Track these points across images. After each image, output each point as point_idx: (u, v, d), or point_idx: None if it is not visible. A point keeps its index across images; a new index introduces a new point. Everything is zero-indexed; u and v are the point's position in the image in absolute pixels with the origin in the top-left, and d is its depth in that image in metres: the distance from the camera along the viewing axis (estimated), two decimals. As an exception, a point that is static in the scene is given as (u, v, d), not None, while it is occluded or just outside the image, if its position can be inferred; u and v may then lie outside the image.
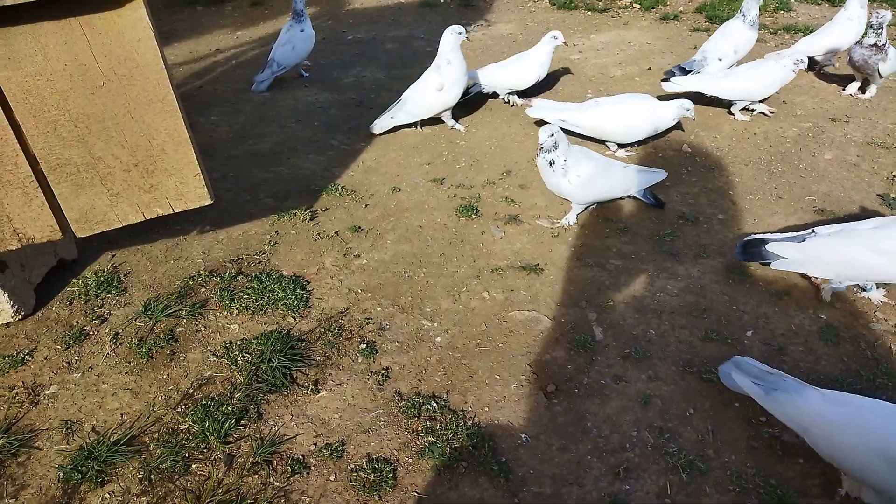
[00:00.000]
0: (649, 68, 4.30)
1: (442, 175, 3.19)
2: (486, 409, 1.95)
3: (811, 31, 4.90)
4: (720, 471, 1.75)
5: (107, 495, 1.71)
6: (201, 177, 2.16)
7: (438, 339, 2.19)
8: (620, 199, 2.84)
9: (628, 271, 2.48)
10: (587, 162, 2.59)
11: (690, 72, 3.78)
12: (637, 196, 2.78)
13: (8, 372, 2.08)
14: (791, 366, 2.03)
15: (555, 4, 6.07)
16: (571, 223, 2.74)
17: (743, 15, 3.77)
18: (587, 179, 2.57)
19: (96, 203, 2.09)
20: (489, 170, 3.23)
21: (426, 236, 2.73)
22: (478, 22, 5.68)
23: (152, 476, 1.75)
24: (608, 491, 1.72)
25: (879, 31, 3.42)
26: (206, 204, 2.17)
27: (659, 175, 2.78)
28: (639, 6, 5.87)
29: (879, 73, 3.51)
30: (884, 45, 3.46)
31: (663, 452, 1.79)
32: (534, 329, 2.22)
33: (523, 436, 1.86)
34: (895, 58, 3.49)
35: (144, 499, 1.69)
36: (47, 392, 2.01)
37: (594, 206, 2.82)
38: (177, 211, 2.17)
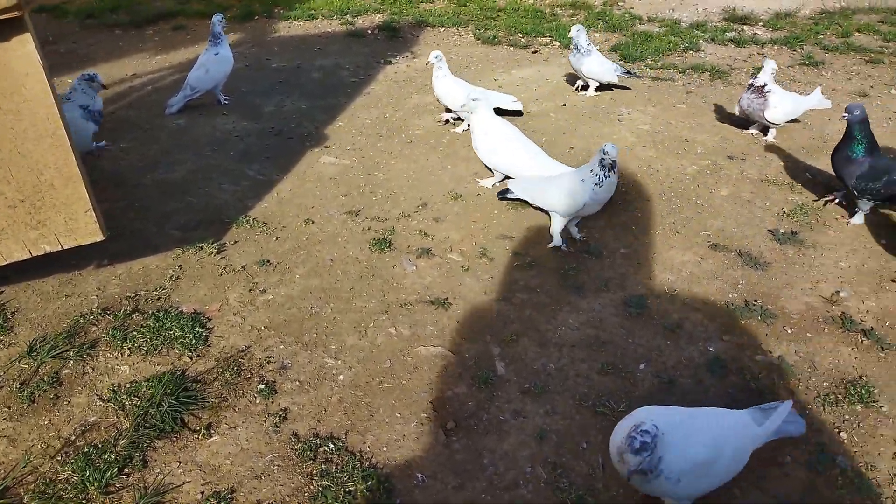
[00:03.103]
0: (563, 105, 4.45)
1: (358, 207, 3.18)
2: (385, 448, 1.93)
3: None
4: (609, 505, 1.79)
5: (-32, 557, 1.59)
6: (93, 212, 2.08)
7: (341, 377, 2.17)
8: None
9: (533, 305, 2.53)
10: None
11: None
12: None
13: None
14: (679, 397, 2.11)
15: (479, 39, 6.21)
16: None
17: (576, 47, 4.36)
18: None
19: (-27, 240, 1.98)
20: (405, 202, 3.24)
21: (337, 270, 2.70)
22: (403, 54, 5.74)
23: (21, 533, 1.64)
24: (500, 530, 1.72)
25: (754, 75, 3.67)
26: (98, 240, 2.09)
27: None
28: (558, 44, 6.08)
29: (767, 120, 3.74)
30: (762, 86, 3.69)
31: (555, 488, 1.82)
32: (438, 365, 2.23)
33: (420, 475, 1.85)
34: (783, 105, 3.69)
35: (11, 559, 1.59)
36: (-89, 444, 1.86)
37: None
38: (66, 248, 2.08)
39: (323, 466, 1.85)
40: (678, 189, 3.36)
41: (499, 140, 3.24)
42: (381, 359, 2.24)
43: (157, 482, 1.78)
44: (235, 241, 2.86)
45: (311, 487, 1.79)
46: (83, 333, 2.26)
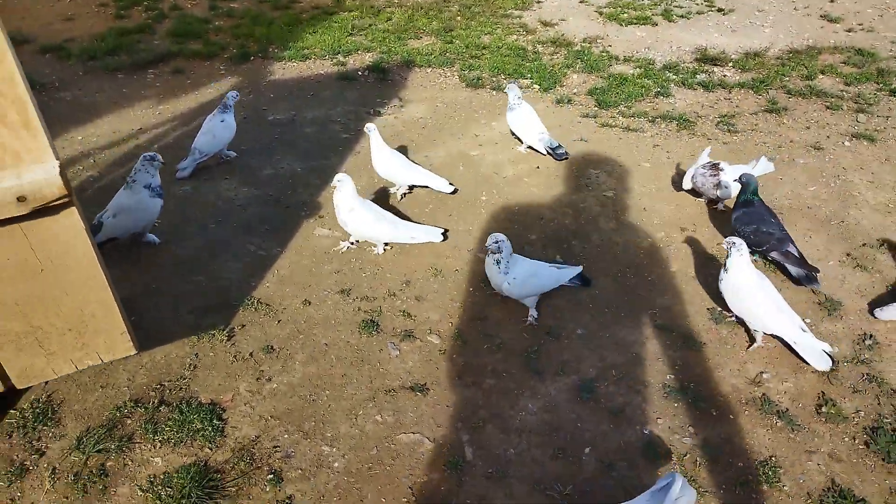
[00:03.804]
0: (538, 167, 4.89)
1: (349, 285, 3.64)
2: (373, 530, 2.41)
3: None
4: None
5: None
6: (127, 334, 2.53)
7: (336, 464, 2.65)
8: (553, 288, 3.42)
9: (499, 390, 3.00)
10: (523, 263, 3.25)
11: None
12: (567, 284, 3.44)
13: (-49, 514, 2.39)
14: (616, 483, 2.59)
15: (464, 81, 6.63)
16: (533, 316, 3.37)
17: (510, 103, 4.93)
18: (522, 280, 3.21)
19: (35, 361, 2.44)
20: (391, 279, 3.70)
21: (331, 356, 3.17)
22: (392, 101, 6.16)
23: None
24: None
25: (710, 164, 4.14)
26: (132, 354, 2.55)
27: (576, 269, 3.40)
28: (538, 87, 6.50)
29: (718, 196, 4.21)
30: (717, 163, 4.15)
31: (508, 566, 2.31)
32: (417, 451, 2.71)
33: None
34: (733, 184, 4.12)
35: None
36: (-10, 534, 2.34)
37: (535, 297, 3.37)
38: (105, 361, 2.53)
39: (323, 549, 2.33)
40: (633, 264, 3.83)
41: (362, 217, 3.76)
42: (369, 446, 2.72)
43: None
44: (242, 326, 3.33)
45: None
46: (120, 426, 2.74)
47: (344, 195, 3.71)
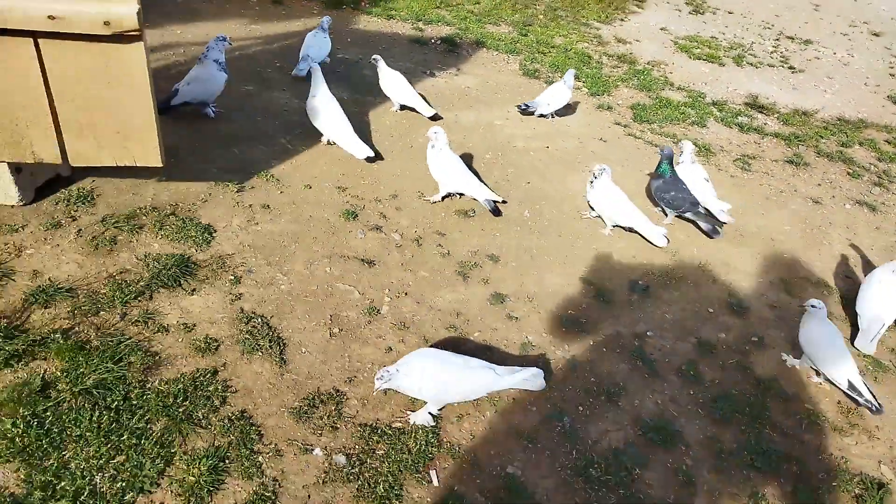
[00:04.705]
0: (547, 147, 5.63)
1: (347, 185, 4.50)
2: (292, 331, 3.24)
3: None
4: None
5: (47, 316, 3.01)
6: (158, 149, 3.46)
7: (283, 286, 3.50)
8: None
9: (429, 281, 3.78)
10: None
11: (530, 109, 6.02)
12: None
13: (5, 234, 3.38)
14: (492, 357, 3.32)
15: (521, 70, 7.41)
16: None
17: (564, 81, 5.99)
18: None
19: (88, 148, 3.40)
20: (382, 191, 4.54)
21: (312, 223, 4.04)
22: (449, 69, 7.02)
23: (75, 311, 3.05)
24: None
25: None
26: (158, 166, 3.48)
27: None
28: (587, 90, 7.21)
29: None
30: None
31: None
32: (347, 297, 3.52)
33: (304, 349, 3.15)
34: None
35: (68, 321, 2.99)
36: (27, 252, 3.32)
37: None
38: (138, 165, 3.47)
39: (250, 327, 3.18)
40: (556, 204, 4.52)
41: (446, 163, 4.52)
42: (312, 283, 3.56)
43: (153, 308, 3.16)
44: (252, 187, 4.24)
45: (239, 336, 3.12)
46: (136, 219, 3.68)
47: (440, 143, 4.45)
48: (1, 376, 2.73)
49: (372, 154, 4.77)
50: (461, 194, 4.57)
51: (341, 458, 2.76)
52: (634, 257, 4.39)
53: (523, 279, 3.98)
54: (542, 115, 6.12)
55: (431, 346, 3.29)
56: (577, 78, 7.33)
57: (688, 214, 4.75)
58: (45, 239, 3.43)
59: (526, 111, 6.10)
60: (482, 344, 3.45)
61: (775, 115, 7.38)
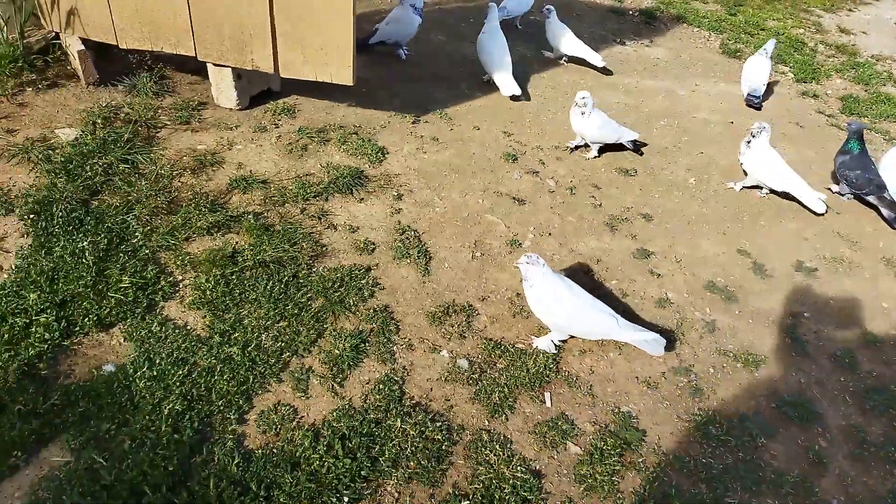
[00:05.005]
0: (732, 122, 5.39)
1: (513, 131, 4.70)
2: (437, 259, 3.54)
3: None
4: None
5: (244, 199, 3.57)
6: (351, 69, 3.89)
7: (437, 209, 3.81)
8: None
9: (571, 229, 3.88)
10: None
11: (756, 102, 5.70)
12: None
13: (222, 130, 4.03)
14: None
15: (722, 49, 7.08)
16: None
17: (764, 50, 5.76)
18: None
19: (296, 60, 3.93)
20: (547, 140, 4.68)
21: (474, 160, 4.30)
22: (641, 40, 6.91)
23: (266, 200, 3.59)
24: None
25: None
26: (349, 84, 3.93)
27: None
28: (792, 76, 6.72)
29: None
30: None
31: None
32: (493, 228, 3.75)
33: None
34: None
35: (259, 206, 3.52)
36: (236, 147, 3.93)
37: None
38: (333, 81, 3.94)
39: (404, 237, 3.52)
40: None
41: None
42: (463, 210, 3.83)
43: (328, 209, 3.62)
44: (426, 122, 4.60)
45: (393, 243, 3.48)
46: (325, 133, 4.19)
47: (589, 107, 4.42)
48: (203, 241, 3.31)
49: (518, 92, 5.03)
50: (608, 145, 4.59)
51: (464, 363, 3.00)
52: (807, 240, 4.13)
53: (675, 241, 3.93)
54: (752, 104, 5.75)
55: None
56: (784, 62, 6.86)
57: (870, 198, 4.43)
58: (252, 139, 4.04)
59: (753, 104, 5.71)
60: (618, 291, 3.50)
61: None
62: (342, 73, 3.94)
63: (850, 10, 8.83)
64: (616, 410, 2.93)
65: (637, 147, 4.67)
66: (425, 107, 4.77)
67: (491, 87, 5.21)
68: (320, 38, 3.82)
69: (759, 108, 5.73)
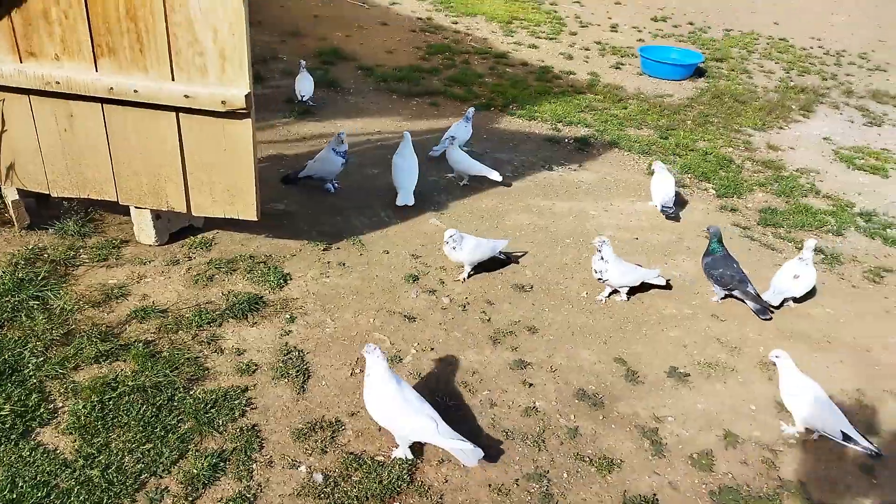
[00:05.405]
0: (636, 238, 5.73)
1: (421, 254, 5.07)
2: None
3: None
4: None
5: (140, 328, 3.89)
6: (255, 205, 4.35)
7: (328, 329, 4.09)
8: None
9: (462, 342, 4.13)
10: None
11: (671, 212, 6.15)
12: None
13: (135, 265, 4.44)
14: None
15: (648, 170, 7.55)
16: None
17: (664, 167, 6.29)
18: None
19: (205, 200, 4.40)
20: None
21: (375, 282, 4.65)
22: (571, 164, 7.42)
23: (161, 328, 3.90)
24: None
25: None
26: (254, 219, 4.37)
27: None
28: (714, 192, 7.13)
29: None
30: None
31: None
32: (372, 339, 4.01)
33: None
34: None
35: (153, 334, 3.84)
36: (145, 280, 4.33)
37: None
38: (239, 218, 4.38)
39: (287, 358, 3.78)
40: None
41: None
42: (352, 330, 4.11)
43: (219, 333, 3.93)
44: (338, 248, 5.00)
45: (275, 364, 3.74)
46: (234, 263, 4.59)
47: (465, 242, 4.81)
48: (90, 369, 3.60)
49: (410, 203, 5.68)
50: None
51: (319, 477, 3.17)
52: (685, 346, 4.33)
53: (555, 351, 4.15)
54: (669, 215, 6.25)
55: (437, 396, 3.61)
56: (707, 179, 7.30)
57: (736, 293, 4.79)
58: (162, 272, 4.44)
59: (669, 214, 6.23)
60: (487, 402, 3.69)
61: (941, 229, 6.63)
62: (247, 210, 4.39)
63: (780, 128, 9.41)
64: (464, 521, 3.04)
65: (508, 257, 5.07)
66: (341, 235, 5.19)
67: (408, 212, 5.65)
68: (226, 181, 4.31)
69: (677, 219, 6.12)
